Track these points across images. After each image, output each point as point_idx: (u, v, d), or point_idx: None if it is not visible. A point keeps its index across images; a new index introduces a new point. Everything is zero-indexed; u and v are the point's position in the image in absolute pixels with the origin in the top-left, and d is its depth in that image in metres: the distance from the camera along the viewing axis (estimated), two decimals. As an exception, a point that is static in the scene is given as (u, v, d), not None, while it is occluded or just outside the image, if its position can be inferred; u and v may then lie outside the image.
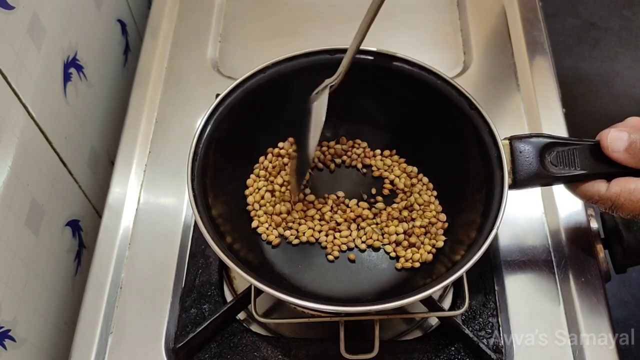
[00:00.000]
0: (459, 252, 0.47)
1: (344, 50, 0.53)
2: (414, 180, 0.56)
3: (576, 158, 0.47)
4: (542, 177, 0.47)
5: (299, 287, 0.51)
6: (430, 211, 0.54)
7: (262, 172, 0.55)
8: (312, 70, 0.54)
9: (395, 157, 0.58)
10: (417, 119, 0.55)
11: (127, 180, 0.61)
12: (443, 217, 0.53)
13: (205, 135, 0.50)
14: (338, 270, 0.52)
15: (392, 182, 0.56)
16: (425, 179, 0.56)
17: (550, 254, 0.55)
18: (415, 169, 0.56)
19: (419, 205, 0.54)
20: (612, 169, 0.46)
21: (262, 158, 0.56)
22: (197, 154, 0.49)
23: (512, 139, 0.48)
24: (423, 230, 0.52)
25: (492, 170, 0.47)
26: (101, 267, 0.55)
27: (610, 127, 0.47)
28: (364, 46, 0.53)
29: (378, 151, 0.58)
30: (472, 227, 0.47)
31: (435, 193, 0.55)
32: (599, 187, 0.46)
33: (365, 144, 0.58)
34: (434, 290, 0.42)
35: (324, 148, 0.58)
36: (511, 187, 0.47)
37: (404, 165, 0.57)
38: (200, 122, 0.50)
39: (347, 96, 0.56)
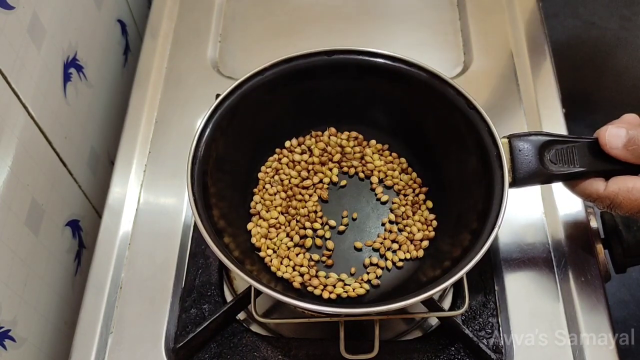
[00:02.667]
0: (459, 252, 0.47)
1: (342, 51, 0.53)
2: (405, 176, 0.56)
3: (575, 155, 0.47)
4: (541, 175, 0.47)
5: (298, 288, 0.51)
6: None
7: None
8: (311, 71, 0.54)
9: (387, 153, 0.58)
10: (415, 119, 0.55)
11: (127, 181, 0.61)
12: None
13: (204, 137, 0.49)
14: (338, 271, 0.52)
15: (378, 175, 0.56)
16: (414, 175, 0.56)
17: (550, 254, 0.55)
18: (404, 161, 0.57)
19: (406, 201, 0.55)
20: (611, 165, 0.46)
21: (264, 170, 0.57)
22: (196, 157, 0.48)
23: (511, 138, 0.48)
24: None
25: (491, 169, 0.47)
26: (101, 267, 0.55)
27: (608, 124, 0.47)
28: (364, 47, 0.53)
29: (373, 142, 0.58)
30: (472, 227, 0.47)
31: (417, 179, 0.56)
32: (597, 185, 0.46)
33: (356, 134, 0.58)
34: (434, 292, 0.42)
35: (321, 143, 0.58)
36: (511, 185, 0.47)
37: (393, 157, 0.57)
38: (199, 124, 0.50)
39: (345, 96, 0.56)
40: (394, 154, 0.57)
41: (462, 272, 0.43)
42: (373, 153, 0.57)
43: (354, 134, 0.58)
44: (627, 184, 0.45)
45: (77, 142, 0.64)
